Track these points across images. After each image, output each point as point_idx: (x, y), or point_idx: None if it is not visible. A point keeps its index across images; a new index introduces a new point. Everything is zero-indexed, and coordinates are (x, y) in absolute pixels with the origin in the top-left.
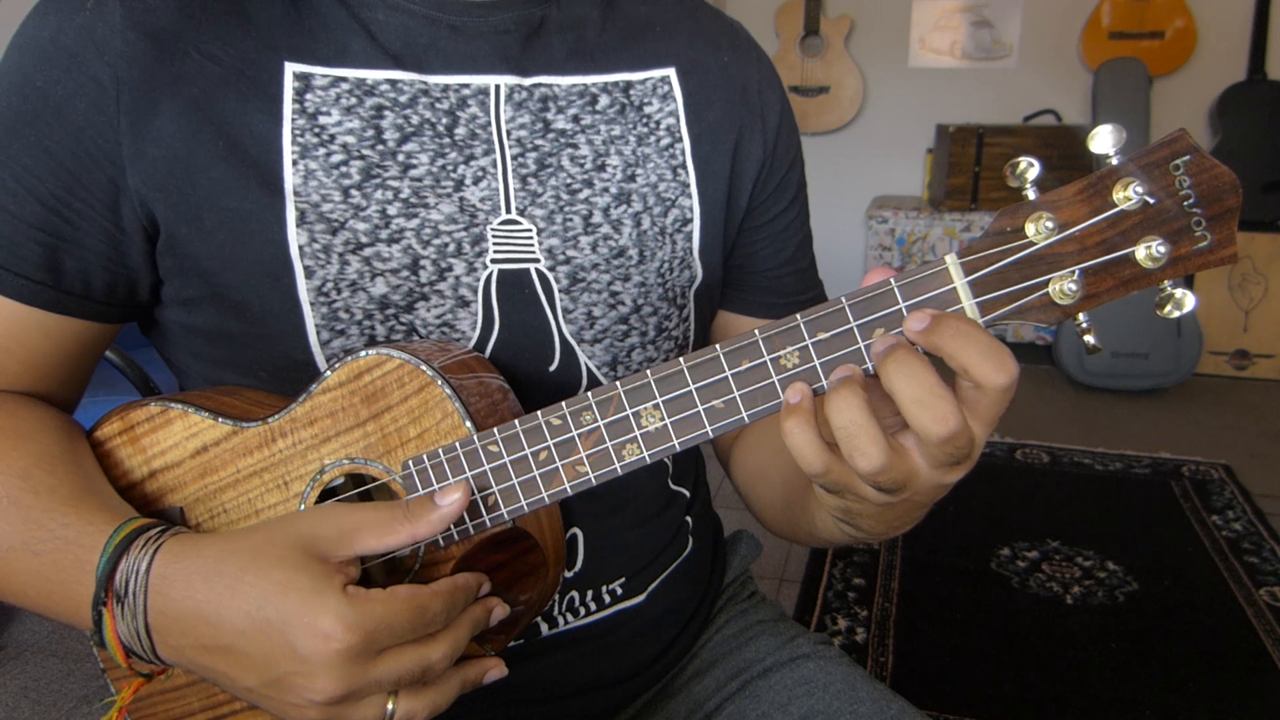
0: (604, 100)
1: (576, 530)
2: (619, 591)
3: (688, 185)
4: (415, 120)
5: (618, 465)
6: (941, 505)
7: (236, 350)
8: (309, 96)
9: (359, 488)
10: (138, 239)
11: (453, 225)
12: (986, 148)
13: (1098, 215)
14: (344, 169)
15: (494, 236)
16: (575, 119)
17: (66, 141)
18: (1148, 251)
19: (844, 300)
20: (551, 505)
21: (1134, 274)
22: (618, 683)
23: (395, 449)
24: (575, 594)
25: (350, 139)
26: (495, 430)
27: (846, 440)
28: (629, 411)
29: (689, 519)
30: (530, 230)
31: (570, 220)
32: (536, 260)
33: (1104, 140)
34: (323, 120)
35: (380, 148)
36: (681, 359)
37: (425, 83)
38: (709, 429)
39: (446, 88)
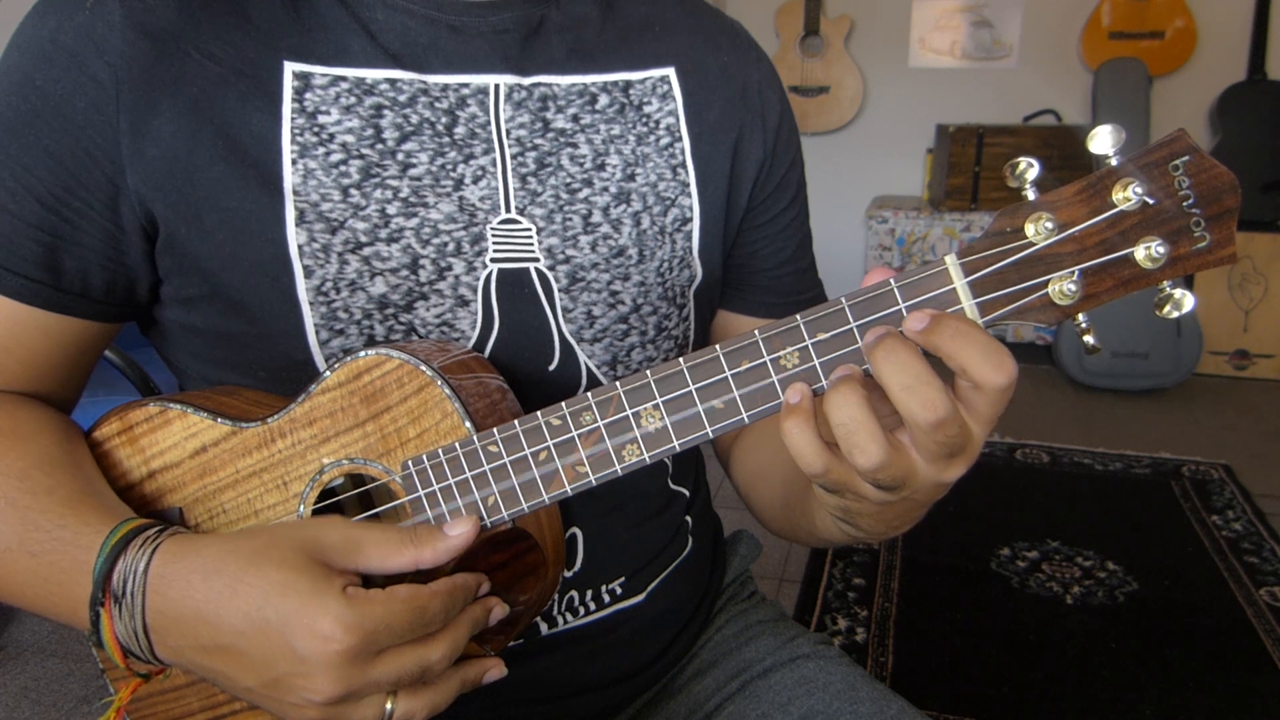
0: (603, 100)
1: (576, 530)
2: (619, 591)
3: (687, 185)
4: (415, 119)
5: (618, 466)
6: (941, 505)
7: (236, 350)
8: (308, 96)
9: (359, 488)
10: (137, 238)
11: (452, 224)
12: (986, 148)
13: (1097, 216)
14: (343, 168)
15: (493, 236)
16: (575, 118)
17: (66, 141)
18: (1147, 252)
19: (844, 300)
20: (551, 505)
21: (1133, 274)
22: (617, 682)
23: (395, 449)
24: (575, 594)
25: (350, 138)
26: (495, 431)
27: (846, 437)
28: (629, 412)
29: (689, 519)
30: (530, 229)
31: (570, 219)
32: (536, 259)
33: (1103, 140)
34: (322, 119)
35: (380, 147)
36: (681, 359)
37: (425, 82)
38: (709, 429)
39: (446, 87)
